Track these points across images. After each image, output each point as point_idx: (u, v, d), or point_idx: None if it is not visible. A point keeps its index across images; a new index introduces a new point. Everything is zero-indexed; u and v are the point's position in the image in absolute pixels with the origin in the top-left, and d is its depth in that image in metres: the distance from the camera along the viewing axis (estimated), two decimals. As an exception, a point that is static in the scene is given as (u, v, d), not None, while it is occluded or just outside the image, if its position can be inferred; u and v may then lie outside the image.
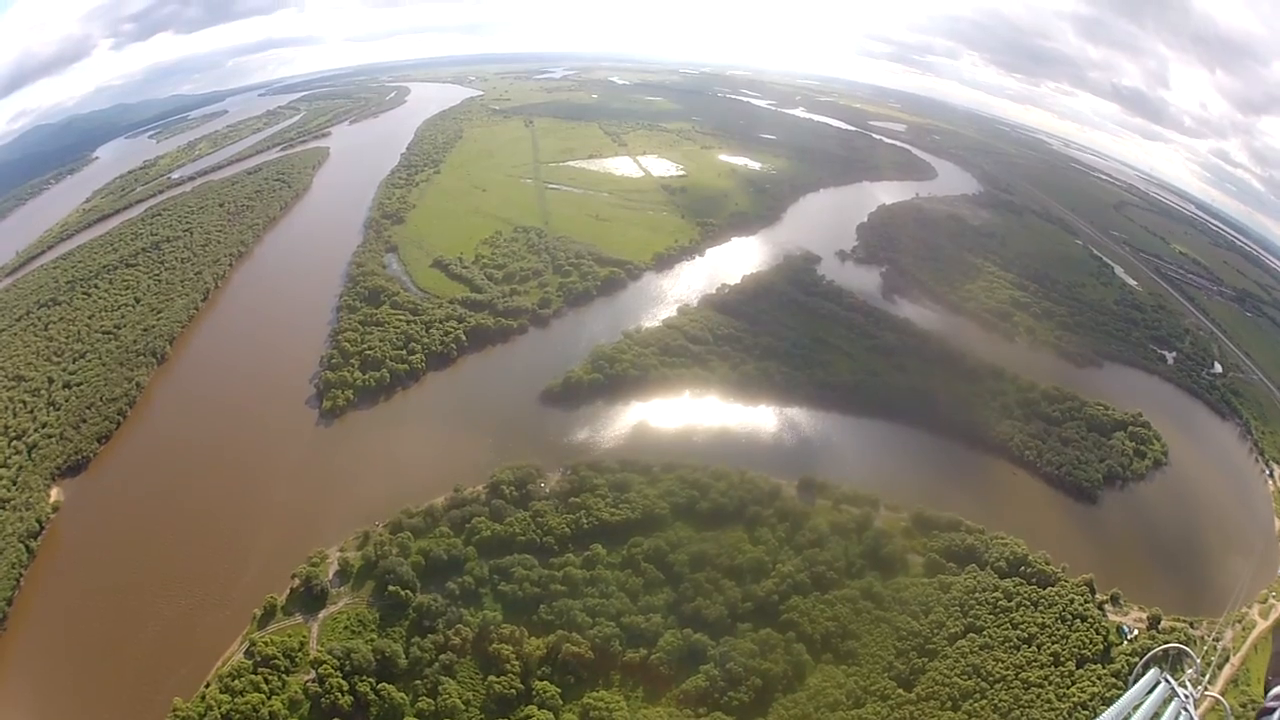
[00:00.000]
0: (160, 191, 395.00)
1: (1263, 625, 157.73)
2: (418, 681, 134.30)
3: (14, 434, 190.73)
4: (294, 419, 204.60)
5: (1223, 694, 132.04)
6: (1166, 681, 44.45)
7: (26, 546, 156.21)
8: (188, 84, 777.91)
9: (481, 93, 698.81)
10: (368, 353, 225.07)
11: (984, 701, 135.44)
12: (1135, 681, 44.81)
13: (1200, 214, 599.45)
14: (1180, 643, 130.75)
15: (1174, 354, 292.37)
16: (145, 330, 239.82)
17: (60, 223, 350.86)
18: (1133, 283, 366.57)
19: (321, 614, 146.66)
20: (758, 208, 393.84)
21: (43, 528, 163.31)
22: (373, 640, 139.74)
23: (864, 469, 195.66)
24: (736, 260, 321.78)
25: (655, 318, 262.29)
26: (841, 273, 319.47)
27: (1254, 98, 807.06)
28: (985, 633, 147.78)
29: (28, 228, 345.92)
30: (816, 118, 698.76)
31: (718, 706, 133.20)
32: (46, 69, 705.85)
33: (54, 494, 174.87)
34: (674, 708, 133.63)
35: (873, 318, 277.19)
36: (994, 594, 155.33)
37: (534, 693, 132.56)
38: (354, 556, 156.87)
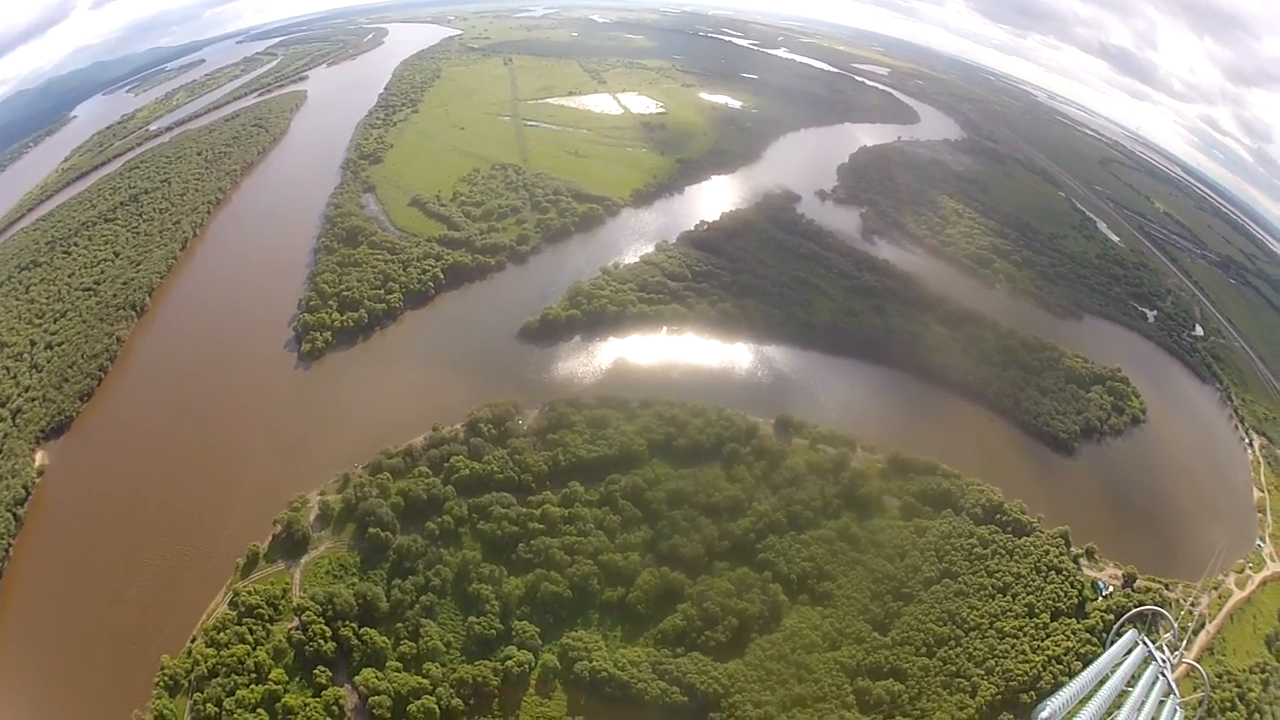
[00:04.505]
0: (138, 144, 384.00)
1: (1239, 595, 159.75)
2: (399, 624, 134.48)
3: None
4: (273, 363, 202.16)
5: (1198, 661, 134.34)
6: (1144, 644, 44.65)
7: (14, 515, 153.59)
8: (165, 37, 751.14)
9: (460, 32, 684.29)
10: (345, 293, 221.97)
11: (959, 649, 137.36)
12: (1113, 642, 45.05)
13: (1186, 177, 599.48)
14: (1156, 604, 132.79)
15: (1155, 312, 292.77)
16: (125, 284, 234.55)
17: (39, 184, 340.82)
18: (1115, 238, 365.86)
19: (303, 559, 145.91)
20: (738, 146, 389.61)
21: (29, 493, 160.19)
22: (354, 584, 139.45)
23: (841, 409, 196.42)
24: (716, 198, 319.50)
25: (634, 254, 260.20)
26: (821, 212, 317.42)
27: (1244, 69, 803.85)
28: (960, 579, 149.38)
29: (6, 193, 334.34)
30: (799, 58, 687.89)
31: (695, 646, 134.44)
32: (26, 35, 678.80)
33: (39, 458, 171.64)
34: (652, 647, 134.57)
35: (852, 258, 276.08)
36: (969, 540, 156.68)
37: (513, 633, 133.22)
38: (334, 500, 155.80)
